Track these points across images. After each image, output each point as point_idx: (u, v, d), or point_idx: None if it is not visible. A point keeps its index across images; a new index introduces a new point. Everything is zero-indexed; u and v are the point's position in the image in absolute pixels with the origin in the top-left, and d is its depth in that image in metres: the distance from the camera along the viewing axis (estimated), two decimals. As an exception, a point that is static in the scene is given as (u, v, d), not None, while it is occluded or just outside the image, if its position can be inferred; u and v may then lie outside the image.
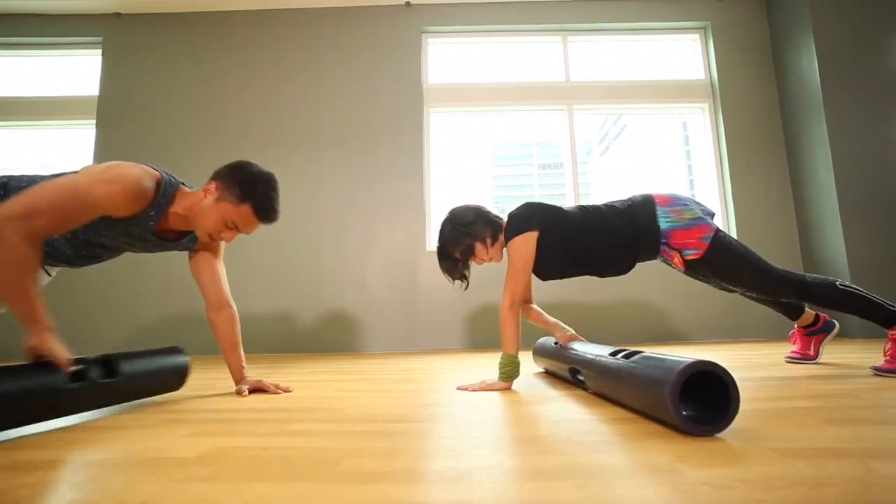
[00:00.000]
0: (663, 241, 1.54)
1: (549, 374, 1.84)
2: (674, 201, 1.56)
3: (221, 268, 1.56)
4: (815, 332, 1.89)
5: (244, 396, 1.48)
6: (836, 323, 1.88)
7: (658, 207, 1.55)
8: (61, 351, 1.07)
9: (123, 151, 3.69)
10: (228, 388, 1.66)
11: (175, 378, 1.44)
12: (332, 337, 3.46)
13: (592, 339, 3.37)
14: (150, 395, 1.40)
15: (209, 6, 3.89)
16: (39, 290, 1.10)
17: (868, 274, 3.07)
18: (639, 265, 1.67)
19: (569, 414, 1.09)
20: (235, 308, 1.58)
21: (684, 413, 0.87)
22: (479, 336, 3.43)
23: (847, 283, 1.54)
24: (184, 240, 1.44)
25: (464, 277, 1.68)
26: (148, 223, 1.29)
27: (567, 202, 3.82)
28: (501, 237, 1.63)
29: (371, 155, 3.70)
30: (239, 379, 1.55)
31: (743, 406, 1.11)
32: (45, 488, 0.68)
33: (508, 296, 1.54)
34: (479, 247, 1.60)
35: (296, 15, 3.90)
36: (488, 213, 1.65)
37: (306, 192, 3.67)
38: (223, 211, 1.30)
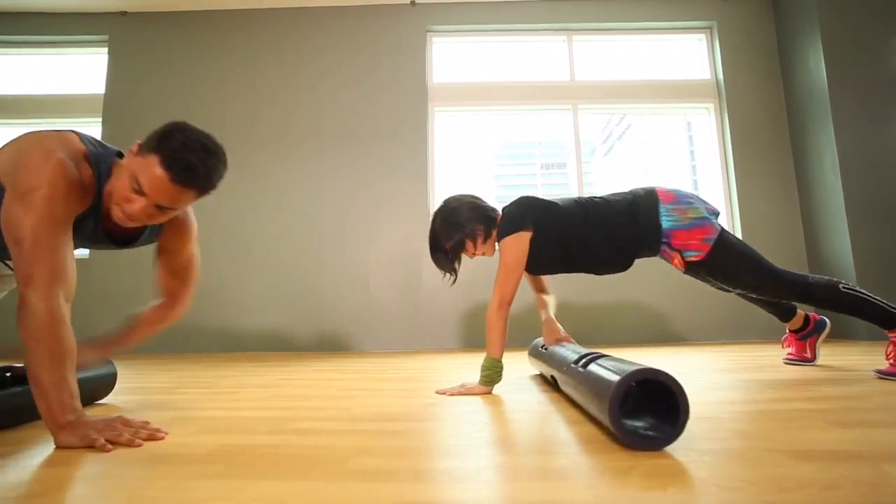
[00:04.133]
0: (664, 240, 1.50)
1: (543, 378, 1.74)
2: (678, 198, 1.52)
3: (192, 273, 1.31)
4: (808, 335, 1.88)
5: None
6: (827, 321, 1.87)
7: (661, 205, 1.50)
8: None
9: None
10: (230, 387, 1.67)
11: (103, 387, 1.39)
12: (335, 336, 3.47)
13: (590, 340, 3.39)
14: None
15: (214, 5, 3.89)
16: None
17: (874, 276, 3.05)
18: (639, 263, 1.64)
19: (574, 415, 1.09)
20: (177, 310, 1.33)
21: (627, 424, 0.82)
22: (481, 336, 3.42)
23: (850, 284, 1.54)
24: (143, 235, 1.18)
25: (453, 271, 1.63)
26: (94, 216, 1.06)
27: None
28: (495, 232, 1.57)
29: (374, 153, 3.70)
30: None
31: (745, 407, 1.11)
32: (55, 483, 0.69)
33: (498, 296, 1.47)
34: (469, 244, 1.57)
35: (301, 13, 3.90)
36: (483, 206, 1.60)
37: (310, 190, 3.68)
38: (132, 168, 0.99)
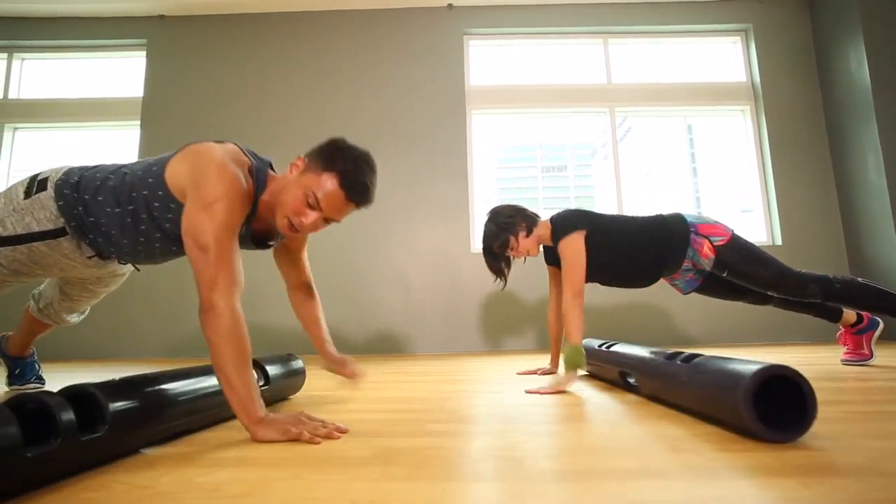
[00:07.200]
0: (692, 230, 1.74)
1: (591, 376, 1.86)
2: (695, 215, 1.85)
3: (304, 255, 1.43)
4: (863, 331, 1.91)
5: (351, 375, 1.38)
6: (879, 319, 1.90)
7: (682, 213, 1.82)
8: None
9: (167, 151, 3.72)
10: (318, 389, 1.67)
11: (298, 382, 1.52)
12: (378, 338, 3.47)
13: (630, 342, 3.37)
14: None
15: (250, 8, 3.91)
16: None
17: (921, 277, 3.04)
18: None
19: (666, 412, 1.09)
20: (316, 292, 1.49)
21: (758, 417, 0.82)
22: (523, 338, 3.43)
23: (867, 280, 1.65)
24: (272, 242, 1.30)
25: (503, 274, 1.85)
26: (248, 222, 1.12)
27: (602, 204, 3.82)
28: (536, 232, 1.79)
29: (413, 156, 3.71)
30: (325, 353, 1.43)
31: (859, 408, 1.10)
32: (257, 483, 0.69)
33: (569, 289, 1.63)
34: (512, 240, 1.76)
35: (338, 16, 3.91)
36: (524, 209, 1.84)
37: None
38: (305, 183, 1.08)
